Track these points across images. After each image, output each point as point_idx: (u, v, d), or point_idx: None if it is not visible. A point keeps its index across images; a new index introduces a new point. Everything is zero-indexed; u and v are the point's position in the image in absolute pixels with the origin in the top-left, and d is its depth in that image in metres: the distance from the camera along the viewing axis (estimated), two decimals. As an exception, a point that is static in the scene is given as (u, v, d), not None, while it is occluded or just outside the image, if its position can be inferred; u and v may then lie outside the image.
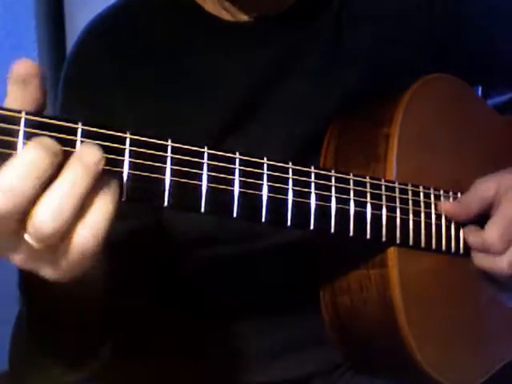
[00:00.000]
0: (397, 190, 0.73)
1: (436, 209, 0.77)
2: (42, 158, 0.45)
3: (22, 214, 0.45)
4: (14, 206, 0.44)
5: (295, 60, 0.83)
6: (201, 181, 0.57)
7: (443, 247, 0.77)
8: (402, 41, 0.87)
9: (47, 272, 0.49)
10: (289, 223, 0.63)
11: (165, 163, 0.55)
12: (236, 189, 0.60)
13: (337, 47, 0.84)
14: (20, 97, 0.48)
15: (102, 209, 0.48)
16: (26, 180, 0.44)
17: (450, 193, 0.79)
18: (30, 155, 0.45)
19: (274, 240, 0.80)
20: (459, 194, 0.80)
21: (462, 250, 0.79)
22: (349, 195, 0.68)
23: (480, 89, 0.99)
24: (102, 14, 0.86)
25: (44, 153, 0.45)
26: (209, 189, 0.58)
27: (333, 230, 0.67)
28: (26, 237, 0.46)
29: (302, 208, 0.64)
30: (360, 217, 0.69)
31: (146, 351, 0.87)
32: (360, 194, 0.69)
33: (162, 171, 0.55)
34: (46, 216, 0.45)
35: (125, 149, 0.53)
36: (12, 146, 0.47)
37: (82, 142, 0.50)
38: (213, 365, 0.87)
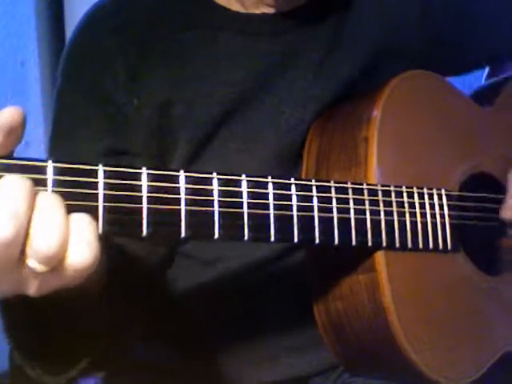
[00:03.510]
0: (379, 192, 0.73)
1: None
2: (28, 184, 0.47)
3: (23, 241, 0.46)
4: (17, 232, 0.45)
5: (298, 54, 0.84)
6: (179, 205, 0.57)
7: (430, 245, 0.77)
8: (401, 37, 0.88)
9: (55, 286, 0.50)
10: (272, 238, 0.63)
11: (140, 191, 0.55)
12: (216, 209, 0.59)
13: (337, 43, 0.86)
14: (3, 146, 0.48)
15: (87, 225, 0.49)
16: (23, 203, 0.46)
17: (434, 190, 0.78)
18: (15, 182, 0.46)
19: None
20: (443, 190, 0.79)
21: (449, 247, 0.79)
22: (331, 203, 0.68)
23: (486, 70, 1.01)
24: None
25: (26, 181, 0.47)
26: (187, 212, 0.57)
27: (317, 241, 0.66)
28: (29, 262, 0.47)
29: (284, 221, 0.64)
30: (344, 224, 0.69)
31: (147, 352, 0.89)
32: (343, 201, 0.69)
33: (139, 200, 0.55)
34: (43, 234, 0.46)
35: (98, 182, 0.52)
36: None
37: (53, 180, 0.50)
38: (215, 367, 0.88)
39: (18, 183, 0.46)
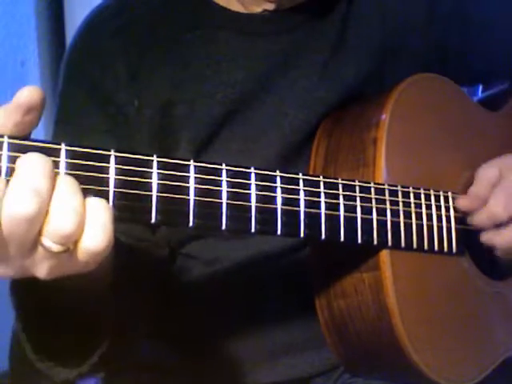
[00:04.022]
0: (386, 192, 0.73)
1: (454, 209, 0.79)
2: (50, 164, 0.47)
3: (43, 219, 0.46)
4: (39, 209, 0.45)
5: (300, 53, 0.84)
6: (188, 195, 0.57)
7: (436, 247, 0.77)
8: (403, 39, 0.88)
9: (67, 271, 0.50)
10: (279, 232, 0.63)
11: (150, 179, 0.55)
12: (224, 201, 0.59)
13: (341, 44, 0.85)
14: (20, 123, 0.48)
15: (103, 210, 0.49)
16: (46, 181, 0.46)
17: (441, 192, 0.79)
18: (38, 160, 0.46)
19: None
20: (449, 193, 0.79)
21: (454, 250, 0.79)
22: (338, 200, 0.68)
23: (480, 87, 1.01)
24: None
25: (48, 160, 0.47)
26: (196, 202, 0.57)
27: (323, 237, 0.66)
28: (45, 241, 0.47)
29: (291, 216, 0.64)
30: (350, 221, 0.69)
31: (147, 352, 0.88)
32: (350, 199, 0.69)
33: (149, 187, 0.55)
34: (61, 214, 0.46)
35: (109, 167, 0.52)
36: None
37: (66, 163, 0.50)
38: (215, 367, 0.88)
39: (41, 161, 0.46)
